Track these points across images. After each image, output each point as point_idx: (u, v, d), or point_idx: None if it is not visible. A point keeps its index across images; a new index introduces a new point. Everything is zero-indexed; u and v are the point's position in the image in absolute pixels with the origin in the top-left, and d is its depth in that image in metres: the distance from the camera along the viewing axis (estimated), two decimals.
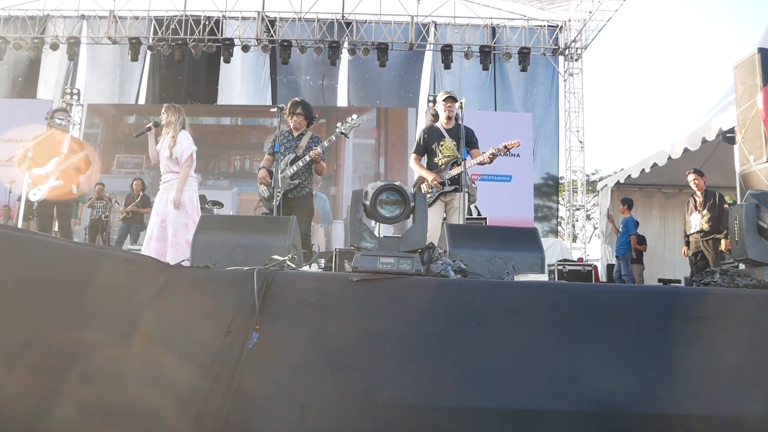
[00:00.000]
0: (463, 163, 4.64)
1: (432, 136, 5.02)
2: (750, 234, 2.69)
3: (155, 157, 5.29)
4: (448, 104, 4.96)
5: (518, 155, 11.67)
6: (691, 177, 7.48)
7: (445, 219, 4.90)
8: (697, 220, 7.32)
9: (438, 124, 5.05)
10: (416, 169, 5.06)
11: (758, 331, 2.41)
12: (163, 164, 5.24)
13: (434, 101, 5.24)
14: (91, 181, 10.19)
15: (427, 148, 5.02)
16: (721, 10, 61.31)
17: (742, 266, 2.94)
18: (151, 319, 2.20)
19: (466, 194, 4.59)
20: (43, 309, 1.98)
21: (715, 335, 2.41)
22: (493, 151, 4.69)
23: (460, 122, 4.90)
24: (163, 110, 5.33)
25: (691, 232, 7.44)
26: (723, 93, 8.34)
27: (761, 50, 5.73)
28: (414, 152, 5.11)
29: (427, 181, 4.85)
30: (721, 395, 2.33)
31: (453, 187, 4.80)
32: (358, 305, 2.34)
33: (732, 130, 6.41)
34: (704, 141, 7.70)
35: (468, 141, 4.81)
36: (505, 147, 4.78)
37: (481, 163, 4.77)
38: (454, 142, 4.86)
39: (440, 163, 4.89)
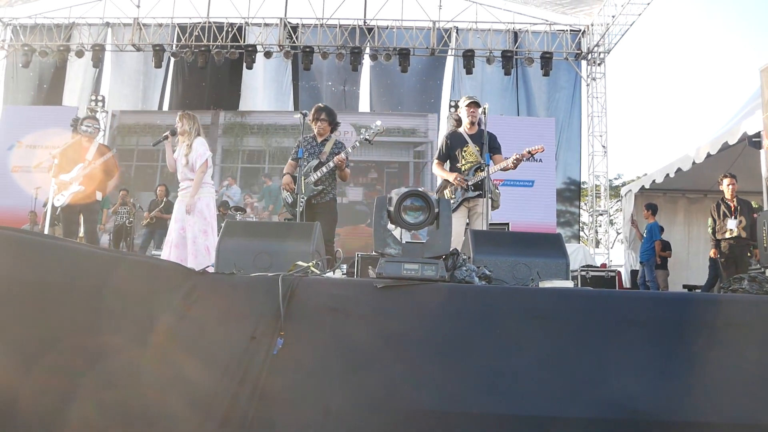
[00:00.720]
0: (486, 169, 4.62)
1: (455, 141, 5.00)
2: None
3: (173, 165, 5.36)
4: (471, 110, 4.94)
5: (541, 160, 11.62)
6: (727, 182, 7.39)
7: (468, 225, 4.88)
8: (734, 225, 7.20)
9: (461, 130, 5.04)
10: (439, 173, 5.05)
11: None
12: (180, 171, 5.31)
13: (456, 107, 5.22)
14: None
15: (449, 153, 5.01)
16: (746, 12, 60.41)
17: None
18: (175, 324, 2.23)
19: (490, 200, 4.58)
20: (61, 312, 2.01)
21: (741, 343, 2.37)
22: (517, 156, 4.66)
23: (483, 127, 4.88)
24: (177, 119, 5.39)
25: (726, 237, 7.29)
26: (749, 97, 8.22)
27: None
28: (437, 158, 5.10)
29: (451, 185, 4.84)
30: (745, 403, 2.29)
31: (476, 193, 4.78)
32: (383, 311, 2.34)
33: (758, 135, 6.32)
34: (730, 145, 7.59)
35: (491, 147, 4.78)
36: (529, 152, 4.75)
37: (505, 169, 4.74)
38: (477, 148, 4.85)
39: (463, 169, 4.88)
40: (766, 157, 5.93)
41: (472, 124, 4.98)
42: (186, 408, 2.14)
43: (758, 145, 6.28)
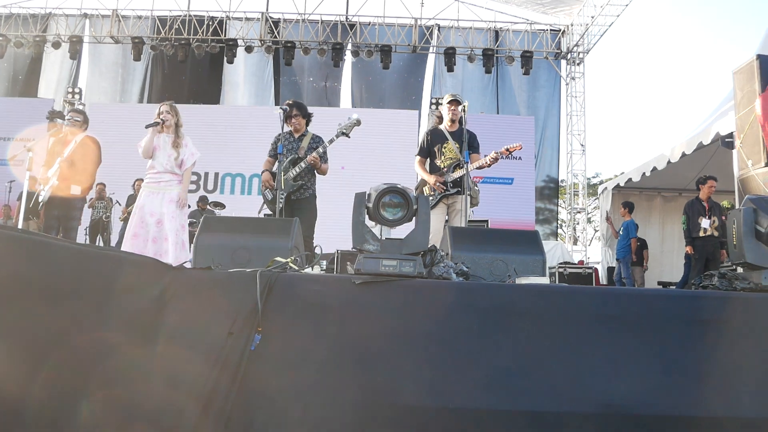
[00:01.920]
0: (465, 166, 4.65)
1: (435, 138, 5.03)
2: (748, 238, 2.71)
3: (150, 152, 5.19)
4: (453, 107, 4.97)
5: (520, 158, 11.71)
6: (709, 183, 7.68)
7: (447, 221, 4.91)
8: (707, 224, 7.49)
9: (441, 127, 5.07)
10: (419, 171, 5.07)
11: (755, 334, 2.44)
12: (162, 163, 5.17)
13: (438, 104, 5.25)
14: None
15: (430, 150, 5.04)
16: (721, 16, 61.36)
17: (740, 269, 2.96)
18: (153, 321, 2.22)
19: (468, 197, 4.61)
20: (41, 311, 2.00)
21: (712, 337, 2.43)
22: (495, 154, 4.69)
23: (463, 125, 4.91)
24: (167, 109, 5.27)
25: (700, 235, 7.55)
26: (722, 98, 8.37)
27: (760, 57, 5.76)
28: (418, 154, 5.12)
29: (429, 183, 4.87)
30: (721, 396, 2.35)
31: (455, 190, 4.81)
32: (361, 307, 2.36)
33: (731, 135, 6.44)
34: (703, 145, 7.73)
35: (470, 145, 4.81)
36: (507, 150, 4.78)
37: (482, 167, 4.77)
38: (457, 145, 4.88)
39: (442, 166, 4.91)
40: (738, 157, 6.05)
41: (453, 121, 5.01)
42: (162, 404, 2.14)
43: (731, 146, 6.40)
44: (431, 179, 4.85)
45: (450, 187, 4.82)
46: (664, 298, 2.59)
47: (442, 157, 4.93)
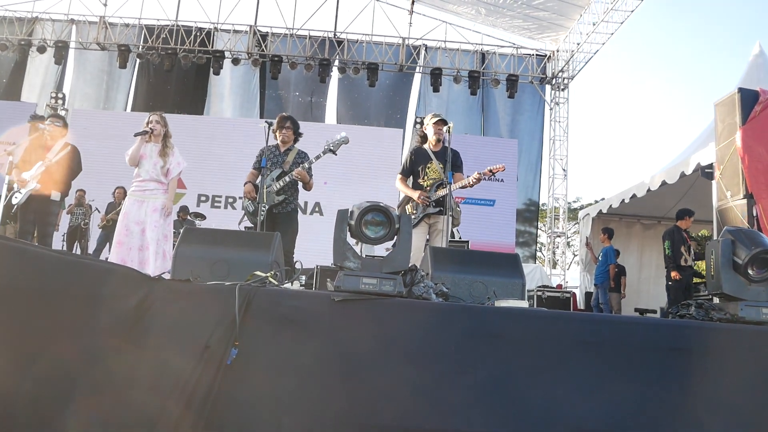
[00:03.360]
0: (448, 186, 4.66)
1: (419, 157, 5.04)
2: (725, 269, 2.74)
3: (136, 160, 5.20)
4: (439, 127, 4.99)
5: (502, 180, 11.80)
6: (688, 219, 7.92)
7: (428, 241, 4.91)
8: (687, 255, 7.72)
9: (426, 146, 5.07)
10: (401, 188, 5.07)
11: (729, 365, 2.46)
12: (148, 171, 5.18)
13: (422, 123, 5.26)
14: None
15: (413, 169, 5.04)
16: (705, 47, 62.75)
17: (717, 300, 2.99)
18: (129, 332, 2.19)
19: (450, 217, 4.61)
20: (24, 318, 1.97)
21: (690, 368, 2.45)
22: (478, 175, 4.70)
23: (447, 145, 4.92)
24: (157, 119, 5.28)
25: (683, 264, 7.72)
26: (703, 129, 8.52)
27: (741, 90, 5.88)
28: (400, 173, 5.12)
29: (413, 200, 4.87)
30: (693, 427, 2.36)
31: (437, 209, 4.82)
32: (339, 324, 2.34)
33: (711, 166, 6.55)
34: (683, 175, 7.85)
35: (453, 164, 4.83)
36: (491, 171, 4.81)
37: (465, 187, 4.78)
38: (441, 165, 4.89)
39: (425, 185, 4.91)
40: (718, 188, 6.14)
41: (437, 141, 5.02)
42: (136, 416, 2.10)
43: (710, 176, 6.51)
44: (415, 194, 4.85)
45: (432, 206, 4.82)
46: (641, 326, 2.61)
47: (426, 177, 4.93)
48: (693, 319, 2.74)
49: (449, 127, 4.90)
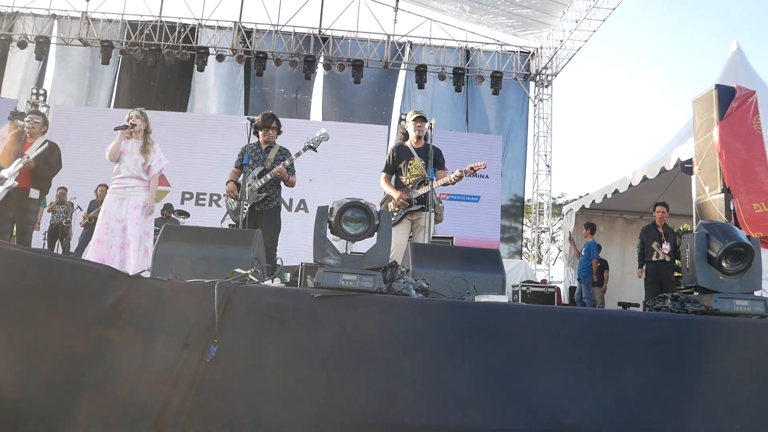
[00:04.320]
0: (430, 183, 4.68)
1: (401, 154, 5.05)
2: (700, 262, 2.78)
3: (116, 156, 5.16)
4: (418, 124, 4.99)
5: (487, 177, 11.83)
6: (657, 209, 7.95)
7: (411, 238, 4.92)
8: (667, 249, 7.75)
9: (407, 144, 5.08)
10: (384, 187, 5.08)
11: (705, 355, 2.50)
12: (129, 168, 5.15)
13: (405, 120, 5.26)
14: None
15: (395, 166, 5.05)
16: (685, 45, 63.34)
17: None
18: (107, 330, 2.18)
19: (433, 213, 4.63)
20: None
21: (664, 358, 2.49)
22: (459, 172, 4.72)
23: (429, 142, 4.94)
24: (136, 114, 5.25)
25: (653, 259, 7.80)
26: (683, 125, 8.61)
27: (718, 87, 5.95)
28: (383, 171, 5.13)
29: (394, 199, 4.88)
30: (673, 418, 2.40)
31: (419, 206, 4.83)
32: (319, 321, 2.35)
33: (690, 161, 6.63)
34: (663, 170, 7.93)
35: (435, 161, 4.84)
36: (472, 168, 4.83)
37: (446, 184, 4.80)
38: (423, 162, 4.90)
39: (407, 182, 4.93)
40: (696, 183, 6.22)
41: (418, 138, 5.03)
42: (116, 415, 2.10)
43: (690, 171, 6.58)
44: (396, 194, 4.86)
45: (414, 203, 4.84)
46: (620, 319, 2.65)
47: (408, 173, 4.95)
48: (668, 311, 2.78)
49: (431, 124, 4.91)
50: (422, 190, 4.80)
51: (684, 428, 2.40)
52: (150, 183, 5.23)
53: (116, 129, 5.17)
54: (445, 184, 4.79)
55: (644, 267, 7.96)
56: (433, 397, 2.32)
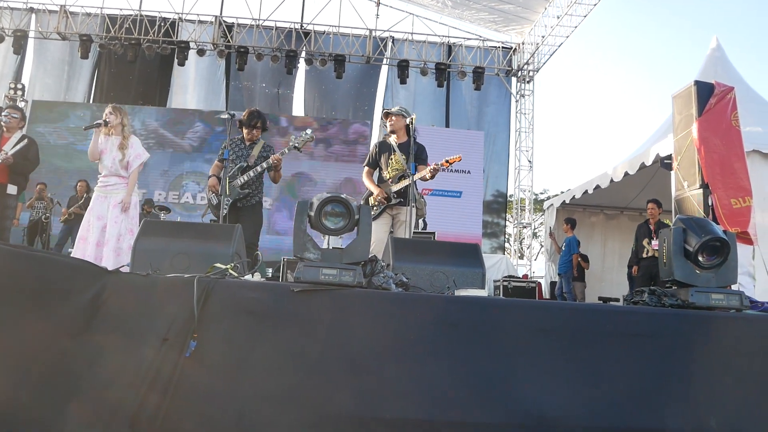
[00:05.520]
0: (410, 177, 4.69)
1: (383, 149, 5.07)
2: (677, 256, 2.82)
3: (96, 155, 5.15)
4: (388, 120, 5.05)
5: (469, 172, 11.87)
6: (648, 206, 8.15)
7: (392, 232, 4.93)
8: (648, 247, 7.95)
9: (390, 139, 5.10)
10: (365, 182, 5.09)
11: (681, 348, 2.54)
12: (108, 166, 5.14)
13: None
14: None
15: (377, 161, 5.07)
16: (666, 41, 63.98)
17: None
18: (85, 326, 2.17)
19: (413, 208, 4.64)
20: None
21: (641, 351, 2.52)
22: (435, 166, 4.73)
23: (411, 136, 4.95)
24: (110, 110, 5.21)
25: (644, 256, 7.99)
26: (663, 120, 8.70)
27: (697, 83, 6.01)
28: (366, 165, 5.14)
29: (373, 194, 4.90)
30: (649, 410, 2.43)
31: (398, 201, 4.84)
32: (299, 316, 2.35)
33: (669, 157, 6.69)
34: (643, 166, 8.01)
35: (417, 157, 4.86)
36: (447, 162, 4.85)
37: (423, 179, 4.80)
38: (404, 157, 4.91)
39: (388, 177, 4.94)
40: (675, 179, 6.28)
41: (394, 132, 5.05)
42: (94, 409, 2.09)
43: (669, 167, 6.65)
44: (375, 191, 4.88)
45: (394, 197, 4.84)
46: (597, 313, 2.67)
47: (389, 168, 4.96)
48: (646, 305, 2.82)
49: (412, 119, 4.92)
50: (402, 184, 4.81)
51: (661, 420, 2.42)
52: (129, 179, 5.19)
53: (86, 128, 5.15)
54: (422, 179, 4.79)
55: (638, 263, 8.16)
56: (413, 391, 2.33)
